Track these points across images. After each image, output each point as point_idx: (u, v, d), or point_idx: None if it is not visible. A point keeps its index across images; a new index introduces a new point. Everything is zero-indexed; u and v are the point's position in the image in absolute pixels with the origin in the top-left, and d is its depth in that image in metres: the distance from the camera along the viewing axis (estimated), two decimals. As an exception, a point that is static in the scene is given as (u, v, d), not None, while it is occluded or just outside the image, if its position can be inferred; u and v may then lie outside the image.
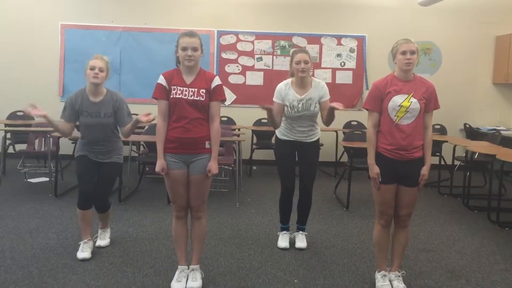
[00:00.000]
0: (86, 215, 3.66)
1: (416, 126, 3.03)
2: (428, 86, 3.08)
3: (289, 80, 3.80)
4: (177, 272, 3.17)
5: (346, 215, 5.02)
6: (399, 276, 3.18)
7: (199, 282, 3.11)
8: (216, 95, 3.05)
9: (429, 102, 3.05)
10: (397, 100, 3.00)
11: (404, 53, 3.00)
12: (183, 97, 2.98)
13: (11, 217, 4.57)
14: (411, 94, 2.99)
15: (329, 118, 3.65)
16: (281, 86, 3.80)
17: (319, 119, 3.82)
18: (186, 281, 3.12)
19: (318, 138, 3.88)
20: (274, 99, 3.82)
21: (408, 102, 2.98)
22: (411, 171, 3.06)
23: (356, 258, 3.76)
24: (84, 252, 3.58)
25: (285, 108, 3.75)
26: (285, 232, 4.02)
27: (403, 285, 3.14)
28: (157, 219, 4.67)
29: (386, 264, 3.22)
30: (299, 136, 3.78)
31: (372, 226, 3.31)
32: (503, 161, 4.68)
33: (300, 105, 3.70)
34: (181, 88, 2.99)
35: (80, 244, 3.65)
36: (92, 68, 3.48)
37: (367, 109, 3.14)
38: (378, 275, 3.21)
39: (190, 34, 3.00)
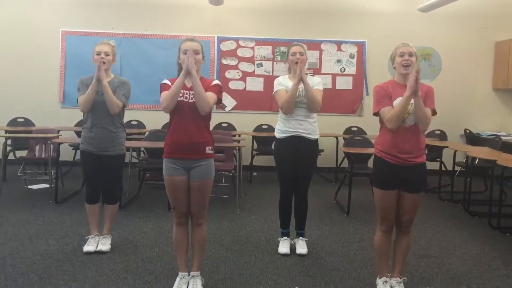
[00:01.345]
0: (94, 209, 3.91)
1: (417, 128, 3.02)
2: (426, 89, 3.06)
3: (286, 76, 3.91)
4: (177, 279, 3.16)
5: (346, 221, 5.01)
6: (400, 282, 3.17)
7: None
8: (211, 87, 3.03)
9: (424, 101, 3.00)
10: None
11: (402, 54, 3.02)
12: (184, 99, 2.97)
13: (11, 224, 4.56)
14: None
15: (307, 97, 3.66)
16: (279, 79, 3.91)
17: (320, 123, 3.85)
18: None
19: (317, 139, 3.88)
20: (276, 88, 3.84)
21: (409, 105, 2.97)
22: (413, 177, 3.04)
23: (357, 264, 3.76)
24: (89, 246, 3.82)
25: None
26: (285, 238, 4.02)
27: None
28: (157, 225, 4.66)
29: (387, 270, 3.21)
30: (298, 128, 3.77)
31: (373, 232, 3.30)
32: (504, 166, 4.68)
33: (295, 99, 3.74)
34: (182, 91, 2.98)
35: (88, 238, 3.89)
36: (98, 53, 3.73)
37: (378, 112, 3.05)
38: (379, 281, 3.20)
39: (192, 39, 3.06)
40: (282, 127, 3.85)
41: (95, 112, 3.71)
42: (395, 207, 3.09)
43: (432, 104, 3.07)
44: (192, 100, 2.96)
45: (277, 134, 3.91)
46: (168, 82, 3.03)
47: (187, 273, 3.18)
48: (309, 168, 3.92)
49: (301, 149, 3.81)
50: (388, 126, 3.00)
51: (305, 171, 3.88)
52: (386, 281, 3.17)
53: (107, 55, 3.73)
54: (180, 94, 2.96)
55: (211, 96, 3.00)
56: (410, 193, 3.07)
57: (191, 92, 2.98)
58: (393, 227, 3.16)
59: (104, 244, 3.87)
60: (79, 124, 7.16)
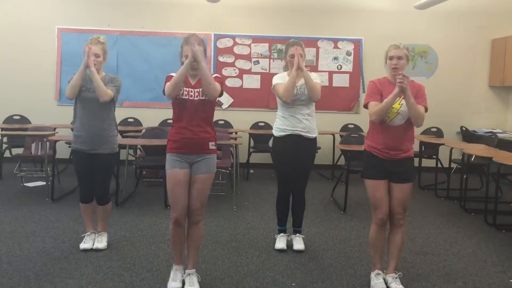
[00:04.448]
0: (88, 208, 3.90)
1: (406, 128, 3.14)
2: (418, 87, 3.16)
3: (284, 73, 3.88)
4: (172, 272, 3.19)
5: (343, 218, 5.02)
6: (396, 278, 3.20)
7: (196, 286, 3.10)
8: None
9: (415, 98, 3.07)
10: None
11: (391, 58, 3.13)
12: (189, 98, 3.03)
13: (7, 222, 4.55)
14: (402, 97, 3.05)
15: (307, 85, 3.66)
16: (278, 75, 3.88)
17: (317, 120, 3.85)
18: (183, 286, 3.11)
19: (316, 137, 3.87)
20: (276, 82, 3.80)
21: (399, 104, 3.07)
22: (400, 169, 3.15)
23: (353, 261, 3.77)
24: (86, 243, 3.85)
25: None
26: (282, 234, 4.03)
27: (402, 286, 3.15)
28: (154, 222, 4.66)
29: (380, 264, 3.27)
30: (296, 127, 3.75)
31: (369, 229, 3.32)
32: (500, 163, 4.69)
33: (295, 90, 3.72)
34: (187, 89, 3.05)
35: (84, 235, 3.92)
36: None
37: (368, 103, 3.18)
38: (372, 275, 3.26)
39: (194, 44, 2.99)
40: (280, 125, 3.84)
41: (85, 110, 3.66)
42: (386, 198, 3.18)
43: (424, 102, 3.15)
44: (196, 98, 3.04)
45: (275, 132, 3.89)
46: (173, 74, 3.06)
47: (181, 266, 3.20)
48: (307, 166, 3.91)
49: (299, 147, 3.80)
50: (371, 118, 3.16)
51: (303, 169, 3.88)
52: (378, 274, 3.24)
53: (97, 57, 3.63)
54: (186, 92, 3.03)
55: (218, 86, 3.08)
56: (400, 183, 3.16)
57: (195, 90, 3.05)
58: (387, 221, 3.21)
59: (100, 242, 3.87)
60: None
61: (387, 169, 3.15)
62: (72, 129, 3.87)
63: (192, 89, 3.05)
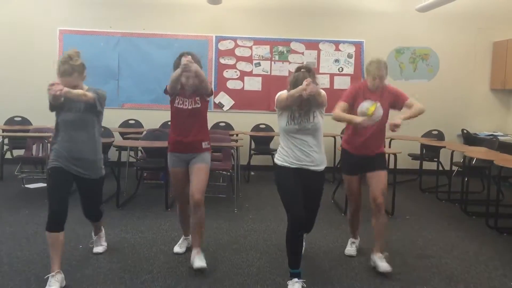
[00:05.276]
0: (57, 239, 3.14)
1: (379, 127, 3.59)
2: (388, 92, 3.64)
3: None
4: (181, 240, 3.94)
5: (344, 221, 4.99)
6: (382, 257, 3.54)
7: (204, 262, 3.45)
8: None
9: (397, 99, 3.63)
10: (365, 105, 3.48)
11: (374, 78, 3.57)
12: (183, 107, 3.51)
13: (8, 223, 4.55)
14: (377, 102, 3.45)
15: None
16: (283, 91, 3.40)
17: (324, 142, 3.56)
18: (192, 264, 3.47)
19: (324, 169, 3.40)
20: (280, 94, 3.34)
21: (373, 107, 3.40)
22: (373, 161, 3.62)
23: (354, 264, 3.76)
24: (52, 287, 3.05)
25: (285, 120, 3.31)
26: (296, 280, 3.19)
27: (387, 264, 3.48)
28: (155, 225, 4.66)
29: (356, 235, 4.05)
30: (303, 160, 3.28)
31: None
32: (501, 166, 4.69)
33: (299, 116, 3.28)
34: (182, 99, 3.52)
35: (48, 277, 3.10)
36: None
37: (342, 102, 3.62)
38: (349, 241, 4.04)
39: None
40: (284, 156, 3.32)
41: (67, 131, 3.27)
42: (359, 189, 3.78)
43: (405, 96, 3.65)
44: (190, 107, 3.51)
45: (278, 161, 3.35)
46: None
47: (188, 237, 3.87)
48: (317, 201, 3.52)
49: (307, 181, 3.32)
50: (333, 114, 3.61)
51: (313, 204, 3.48)
52: (353, 242, 4.02)
53: (75, 87, 3.17)
54: (181, 102, 3.51)
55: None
56: (374, 171, 3.60)
57: (188, 100, 3.51)
58: (359, 208, 3.87)
59: (99, 245, 3.82)
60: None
61: (361, 165, 3.64)
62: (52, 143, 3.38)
63: (187, 99, 3.51)
